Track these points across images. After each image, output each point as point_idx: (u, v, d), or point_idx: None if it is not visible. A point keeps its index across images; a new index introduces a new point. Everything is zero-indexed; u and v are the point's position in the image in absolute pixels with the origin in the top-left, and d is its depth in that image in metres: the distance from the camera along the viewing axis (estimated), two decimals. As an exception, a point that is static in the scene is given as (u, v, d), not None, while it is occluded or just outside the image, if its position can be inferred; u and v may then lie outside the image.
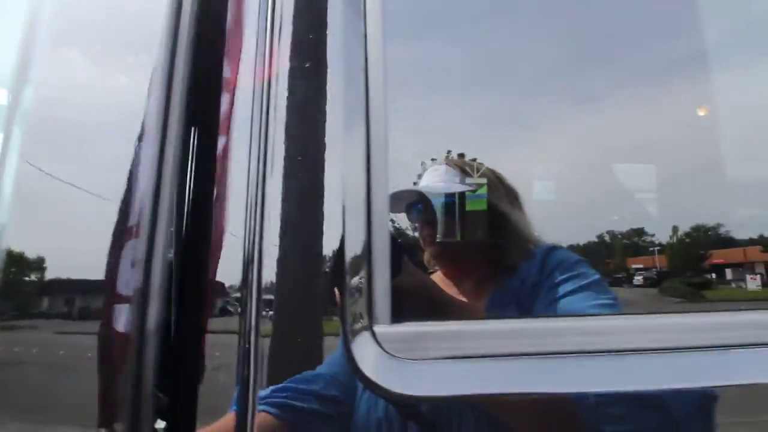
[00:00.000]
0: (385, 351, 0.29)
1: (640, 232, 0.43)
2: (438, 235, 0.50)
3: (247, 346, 0.31)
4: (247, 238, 0.33)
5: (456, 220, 0.46)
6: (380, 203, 0.32)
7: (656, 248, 0.42)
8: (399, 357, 0.29)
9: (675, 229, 0.41)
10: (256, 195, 0.33)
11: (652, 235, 0.42)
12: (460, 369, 0.29)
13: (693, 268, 0.46)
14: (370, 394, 0.39)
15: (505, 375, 0.29)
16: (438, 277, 0.53)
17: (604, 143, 0.43)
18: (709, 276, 0.47)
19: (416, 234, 0.51)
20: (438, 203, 0.49)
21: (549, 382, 0.30)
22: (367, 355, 0.29)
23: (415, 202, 0.50)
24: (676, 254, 0.42)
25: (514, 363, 0.30)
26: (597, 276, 0.44)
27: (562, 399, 0.33)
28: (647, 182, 0.42)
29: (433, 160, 0.46)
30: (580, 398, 0.32)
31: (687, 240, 0.41)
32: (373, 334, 0.30)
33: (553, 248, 0.48)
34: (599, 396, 0.32)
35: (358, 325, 0.30)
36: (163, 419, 0.33)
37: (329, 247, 0.33)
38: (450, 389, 0.29)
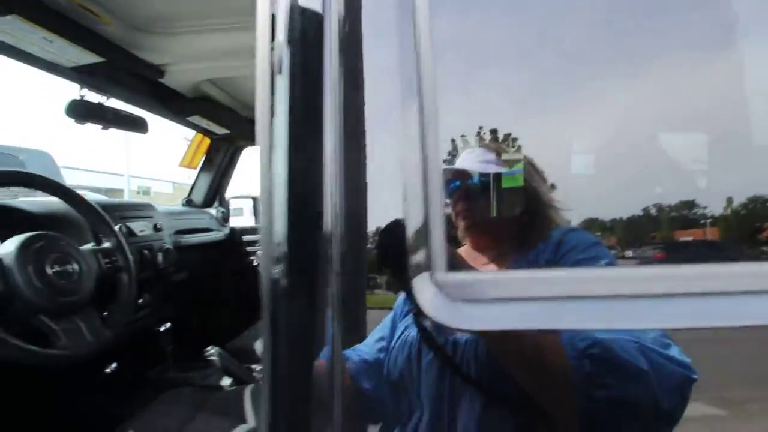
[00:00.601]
0: (443, 293, 0.34)
1: (690, 204, 0.43)
2: (472, 210, 0.54)
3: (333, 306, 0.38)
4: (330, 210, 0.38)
5: (490, 197, 0.50)
6: (435, 174, 0.37)
7: (708, 220, 0.42)
8: (455, 299, 0.34)
9: (729, 200, 0.41)
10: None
11: (704, 207, 0.42)
12: (506, 309, 0.35)
13: (748, 240, 0.45)
14: (401, 337, 0.50)
15: (547, 314, 0.34)
16: (464, 251, 0.57)
17: (651, 111, 0.43)
18: (765, 249, 0.46)
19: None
20: (474, 181, 0.52)
21: (593, 321, 0.35)
22: (427, 298, 0.35)
23: (452, 179, 0.53)
24: (730, 226, 0.42)
25: (557, 304, 0.34)
26: (610, 258, 0.45)
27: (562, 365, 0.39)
28: (699, 152, 0.42)
29: (462, 136, 0.48)
30: (577, 367, 0.39)
31: (743, 212, 0.41)
32: (433, 280, 0.35)
33: (572, 230, 0.50)
34: (592, 365, 0.39)
35: (419, 273, 0.36)
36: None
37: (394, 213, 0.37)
38: (496, 325, 0.35)
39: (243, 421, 1.02)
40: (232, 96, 1.71)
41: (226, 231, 2.07)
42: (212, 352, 1.24)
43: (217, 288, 2.08)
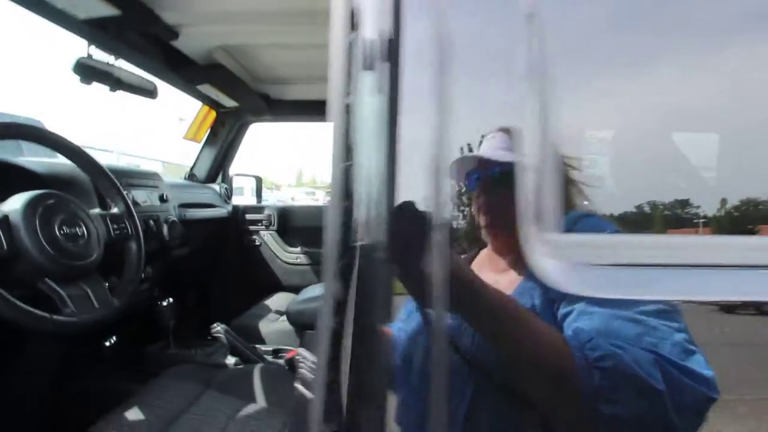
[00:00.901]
0: (555, 255, 0.33)
1: (684, 203, 0.40)
2: (492, 206, 0.48)
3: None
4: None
5: (511, 190, 0.47)
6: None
7: (701, 221, 0.40)
8: (567, 260, 0.33)
9: (723, 201, 0.39)
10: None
11: (698, 207, 0.40)
12: (618, 274, 0.33)
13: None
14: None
15: (657, 281, 0.33)
16: (484, 255, 0.53)
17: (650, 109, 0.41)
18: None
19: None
20: (494, 171, 0.46)
21: (708, 291, 0.33)
22: (538, 260, 0.33)
23: (473, 170, 0.47)
24: (722, 227, 0.39)
25: (671, 272, 0.32)
26: None
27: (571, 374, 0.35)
28: (696, 151, 0.40)
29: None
30: (584, 377, 0.35)
31: (735, 213, 0.39)
32: (545, 241, 0.33)
33: (587, 215, 0.45)
34: (602, 378, 0.35)
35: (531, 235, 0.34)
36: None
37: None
38: (608, 292, 0.34)
39: (252, 400, 0.98)
40: (244, 66, 1.64)
41: (229, 208, 2.01)
42: (218, 329, 1.20)
43: (218, 265, 2.03)
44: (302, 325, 1.14)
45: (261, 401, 0.99)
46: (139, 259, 0.98)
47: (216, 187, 1.98)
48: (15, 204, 0.73)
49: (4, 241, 0.69)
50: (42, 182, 0.95)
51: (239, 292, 2.06)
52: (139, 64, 1.33)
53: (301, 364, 0.44)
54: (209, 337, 1.34)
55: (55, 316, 0.71)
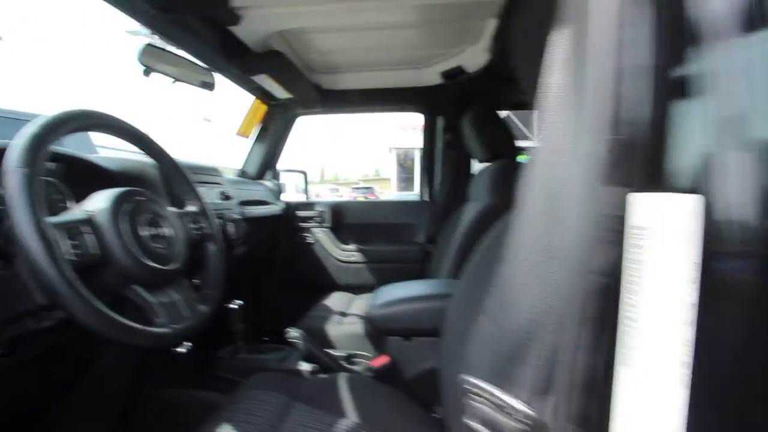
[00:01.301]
0: None
1: None
2: None
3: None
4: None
5: None
6: None
7: None
8: None
9: None
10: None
11: None
12: None
13: None
14: None
15: None
16: None
17: None
18: None
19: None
20: None
21: None
22: None
23: None
24: None
25: None
26: None
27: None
28: None
29: None
30: None
31: None
32: None
33: None
34: None
35: None
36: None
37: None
38: None
39: (342, 414, 0.89)
40: (299, 54, 1.55)
41: (282, 205, 1.94)
42: (295, 334, 1.11)
43: (274, 265, 1.97)
44: (387, 330, 1.04)
45: (352, 416, 0.89)
46: (219, 261, 0.90)
47: (269, 183, 1.91)
48: (100, 203, 0.65)
49: (96, 244, 0.61)
50: (113, 179, 0.88)
51: (293, 293, 1.99)
52: (198, 54, 1.25)
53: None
54: (263, 340, 1.26)
55: (152, 329, 0.63)
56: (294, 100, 1.75)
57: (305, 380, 0.99)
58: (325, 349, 1.31)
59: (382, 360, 1.02)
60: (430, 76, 1.72)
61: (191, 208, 0.90)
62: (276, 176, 2.04)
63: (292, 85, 1.58)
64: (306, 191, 2.24)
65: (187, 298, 0.75)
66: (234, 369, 1.19)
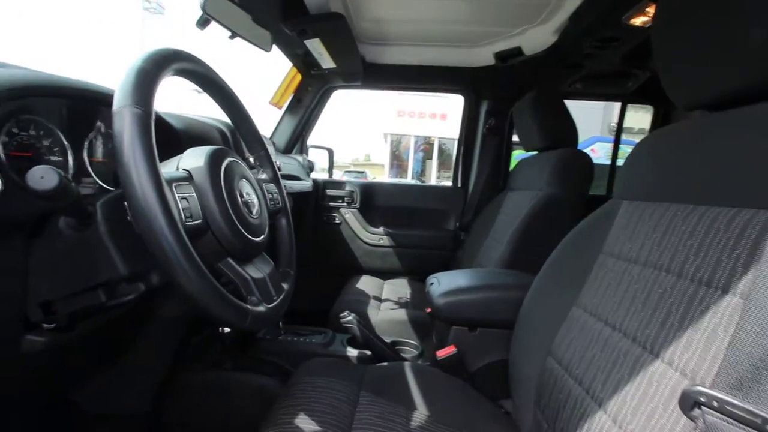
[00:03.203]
0: None
1: None
2: None
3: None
4: None
5: None
6: None
7: None
8: None
9: None
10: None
11: None
12: None
13: None
14: None
15: None
16: None
17: None
18: None
19: None
20: None
21: None
22: None
23: None
24: None
25: None
26: None
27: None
28: None
29: None
30: None
31: None
32: None
33: None
34: None
35: None
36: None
37: None
38: None
39: (413, 406, 0.83)
40: (355, 22, 1.44)
41: (311, 182, 1.84)
42: (350, 318, 1.05)
43: (303, 245, 1.88)
44: (453, 320, 0.99)
45: (423, 408, 0.84)
46: (291, 237, 0.82)
47: (299, 158, 1.81)
48: (196, 160, 0.56)
49: (199, 207, 0.52)
50: (178, 138, 0.79)
51: (318, 275, 1.92)
52: (253, 9, 1.14)
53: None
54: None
55: (256, 309, 0.56)
56: (335, 71, 1.64)
57: (369, 369, 0.93)
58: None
59: (448, 350, 0.96)
60: (482, 57, 1.63)
61: (263, 176, 0.81)
62: (305, 151, 1.94)
63: (340, 55, 1.47)
64: (331, 170, 2.14)
65: (273, 275, 0.67)
66: (277, 352, 1.12)
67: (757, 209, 0.48)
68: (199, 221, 0.52)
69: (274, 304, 0.63)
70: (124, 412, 0.88)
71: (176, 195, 0.48)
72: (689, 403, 0.37)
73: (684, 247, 0.57)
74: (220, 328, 1.06)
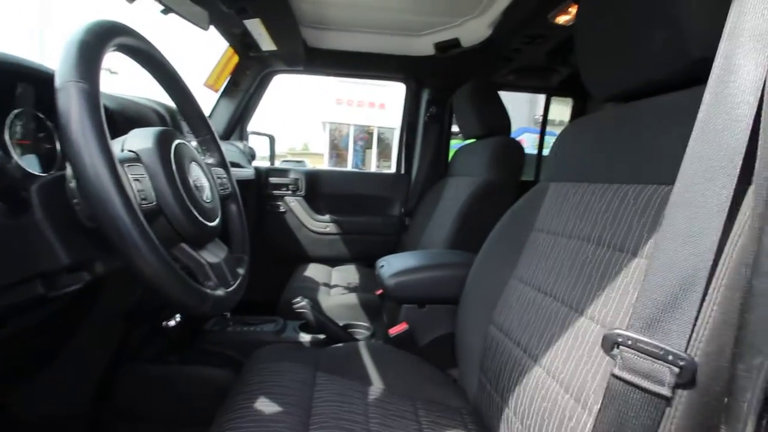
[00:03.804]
0: None
1: None
2: None
3: None
4: None
5: None
6: None
7: None
8: None
9: None
10: None
11: None
12: None
13: None
14: None
15: None
16: None
17: None
18: None
19: None
20: None
21: None
22: None
23: None
24: None
25: None
26: None
27: None
28: None
29: None
30: None
31: None
32: None
33: None
34: None
35: None
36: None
37: None
38: None
39: (368, 381, 0.87)
40: (295, 3, 1.40)
41: (253, 170, 1.78)
42: (303, 303, 1.05)
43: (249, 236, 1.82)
44: (403, 299, 1.03)
45: (379, 382, 0.88)
46: (243, 223, 0.81)
47: (239, 144, 1.74)
48: (143, 141, 0.53)
49: (152, 189, 0.50)
50: (112, 119, 0.73)
51: (263, 265, 1.87)
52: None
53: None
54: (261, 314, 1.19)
55: (214, 292, 0.55)
56: (276, 54, 1.60)
57: (323, 351, 0.95)
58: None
59: (400, 327, 1.01)
60: (422, 46, 1.68)
61: (211, 160, 0.79)
62: (245, 137, 1.86)
63: (281, 37, 1.43)
64: (272, 157, 2.08)
65: (228, 260, 0.66)
66: (226, 343, 1.09)
67: (658, 185, 0.58)
68: (153, 204, 0.50)
69: (232, 288, 0.63)
70: (62, 413, 0.81)
71: (129, 176, 0.46)
72: (610, 343, 0.45)
73: (601, 220, 0.67)
74: (164, 322, 1.00)
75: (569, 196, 0.77)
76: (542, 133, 2.16)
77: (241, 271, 0.69)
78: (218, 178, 0.76)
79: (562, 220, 0.77)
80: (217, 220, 0.64)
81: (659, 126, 0.61)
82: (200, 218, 0.58)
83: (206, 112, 1.71)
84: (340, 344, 0.98)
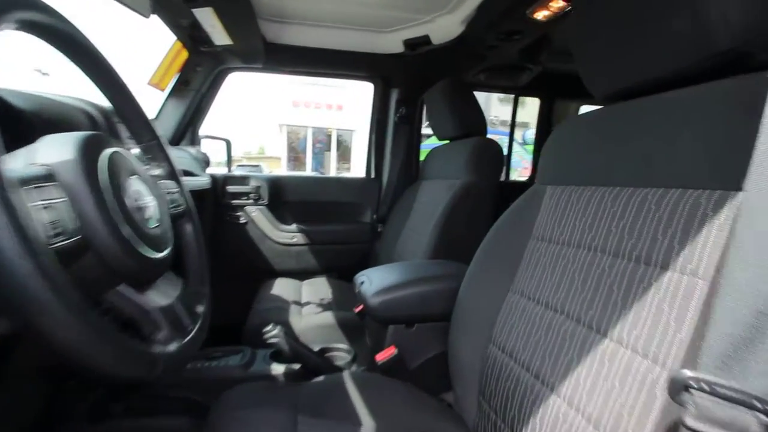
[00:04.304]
0: None
1: None
2: None
3: None
4: None
5: None
6: None
7: None
8: None
9: None
10: None
11: None
12: None
13: None
14: None
15: None
16: None
17: None
18: None
19: None
20: None
21: None
22: None
23: None
24: None
25: None
26: None
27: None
28: None
29: None
30: None
31: None
32: None
33: None
34: None
35: None
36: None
37: None
38: None
39: (358, 422, 0.76)
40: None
41: (208, 178, 1.60)
42: (276, 332, 0.91)
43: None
44: (390, 319, 0.93)
45: (369, 420, 0.77)
46: (201, 246, 0.66)
47: (191, 150, 1.55)
48: (61, 151, 0.39)
49: (74, 218, 0.36)
50: (30, 124, 0.57)
51: (225, 283, 1.69)
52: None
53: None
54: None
55: (164, 350, 0.41)
56: (231, 50, 1.44)
57: (302, 387, 0.82)
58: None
59: (388, 352, 0.91)
60: (391, 43, 1.59)
61: (158, 171, 0.64)
62: (197, 142, 1.67)
63: (237, 30, 1.28)
64: (229, 163, 1.90)
65: (184, 298, 0.52)
66: (184, 384, 0.93)
67: (684, 189, 0.52)
68: (75, 238, 0.36)
69: (191, 336, 0.49)
70: None
71: (34, 202, 0.32)
72: (677, 387, 0.37)
73: (617, 228, 0.60)
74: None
75: (572, 200, 0.71)
76: (511, 134, 2.14)
77: (200, 309, 0.56)
78: (168, 193, 0.61)
79: (566, 228, 0.70)
80: (168, 249, 0.50)
81: (676, 124, 0.55)
82: (143, 249, 0.44)
83: (152, 115, 1.53)
84: (320, 378, 0.86)
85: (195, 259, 0.64)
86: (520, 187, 2.27)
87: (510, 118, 2.16)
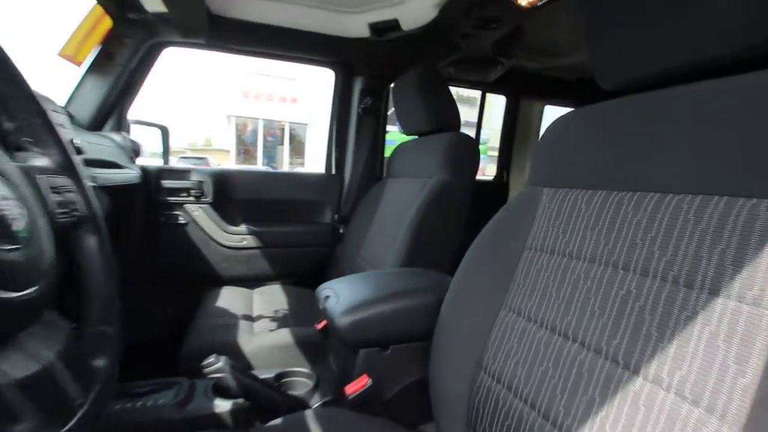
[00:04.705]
0: None
1: None
2: None
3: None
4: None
5: None
6: None
7: None
8: None
9: None
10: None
11: None
12: None
13: None
14: None
15: None
16: None
17: None
18: None
19: None
20: None
21: None
22: None
23: None
24: None
25: None
26: None
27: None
28: None
29: None
30: None
31: None
32: None
33: None
34: None
35: None
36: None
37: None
38: None
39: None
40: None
41: (138, 171, 1.35)
42: (219, 364, 0.73)
43: (126, 256, 1.37)
44: (363, 342, 0.78)
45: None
46: (109, 267, 0.48)
47: (116, 137, 1.30)
48: None
49: None
50: None
51: (158, 295, 1.45)
52: None
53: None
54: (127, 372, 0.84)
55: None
56: (167, 19, 1.20)
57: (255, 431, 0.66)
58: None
59: (359, 384, 0.76)
60: (355, 26, 1.43)
61: (42, 161, 0.44)
62: (125, 128, 1.41)
63: (174, -4, 1.06)
64: (166, 154, 1.65)
65: (65, 351, 0.34)
66: (104, 430, 0.73)
67: (729, 196, 0.43)
68: None
69: (80, 415, 0.32)
70: None
71: None
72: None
73: (643, 242, 0.50)
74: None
75: (579, 206, 0.61)
76: (478, 132, 2.07)
77: (100, 363, 0.38)
78: (56, 193, 0.42)
79: (572, 238, 0.60)
80: (39, 285, 0.32)
81: (711, 120, 0.46)
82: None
83: (66, 93, 1.25)
84: (277, 420, 0.69)
85: (99, 284, 0.46)
86: (487, 186, 2.22)
87: (468, 118, 2.09)
